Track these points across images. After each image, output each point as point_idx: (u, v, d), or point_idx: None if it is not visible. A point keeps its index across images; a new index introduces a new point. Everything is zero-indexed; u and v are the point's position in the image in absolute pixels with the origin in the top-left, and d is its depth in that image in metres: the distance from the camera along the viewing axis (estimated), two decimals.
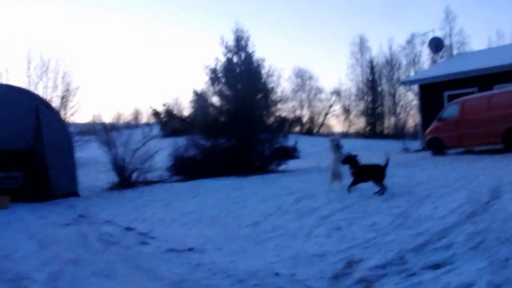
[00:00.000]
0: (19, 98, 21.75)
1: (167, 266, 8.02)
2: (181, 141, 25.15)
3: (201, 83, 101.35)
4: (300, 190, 13.98)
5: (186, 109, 60.21)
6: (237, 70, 25.12)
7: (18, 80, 45.85)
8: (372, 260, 7.13)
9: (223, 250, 8.58)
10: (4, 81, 44.45)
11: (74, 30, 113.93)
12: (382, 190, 11.75)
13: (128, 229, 11.55)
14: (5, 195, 19.16)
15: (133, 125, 26.90)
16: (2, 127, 20.63)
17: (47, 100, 30.75)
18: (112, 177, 22.71)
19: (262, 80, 25.47)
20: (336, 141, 13.23)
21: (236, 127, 22.60)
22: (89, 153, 42.34)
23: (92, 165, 36.40)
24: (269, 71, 25.20)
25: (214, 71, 25.58)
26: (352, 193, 12.28)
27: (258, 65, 24.95)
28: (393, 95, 67.88)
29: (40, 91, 42.28)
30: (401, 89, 64.04)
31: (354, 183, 12.29)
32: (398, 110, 67.29)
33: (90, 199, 19.49)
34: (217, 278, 7.19)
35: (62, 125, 22.70)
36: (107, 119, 25.64)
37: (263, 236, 9.31)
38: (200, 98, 40.66)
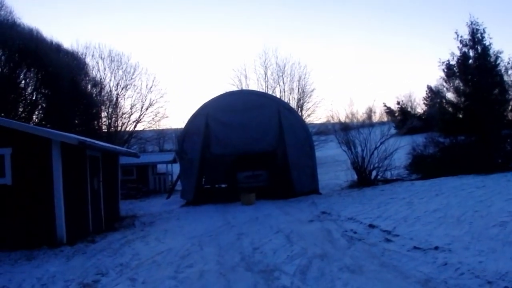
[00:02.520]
0: (263, 103, 23.16)
1: (413, 264, 8.01)
2: (419, 139, 24.74)
3: (434, 78, 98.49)
4: None
5: (419, 106, 58.96)
6: (473, 64, 23.91)
7: (256, 86, 48.74)
8: None
9: (470, 250, 8.29)
10: (245, 88, 47.59)
11: (308, 33, 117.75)
12: None
13: (371, 226, 11.68)
14: (251, 193, 20.55)
15: (367, 124, 26.87)
16: (249, 131, 22.17)
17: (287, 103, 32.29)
18: (351, 176, 23.07)
19: (501, 73, 23.92)
20: None
21: (475, 124, 21.63)
22: (326, 152, 43.53)
23: (330, 164, 37.28)
24: (508, 63, 23.60)
25: (449, 66, 24.61)
26: None
27: (496, 58, 23.45)
28: None
29: (277, 95, 44.47)
30: None
31: None
32: None
33: (331, 196, 20.00)
34: (464, 278, 7.01)
35: (303, 126, 23.61)
36: (342, 118, 25.94)
37: None
38: (435, 94, 39.48)
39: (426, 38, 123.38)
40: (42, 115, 34.86)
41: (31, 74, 33.83)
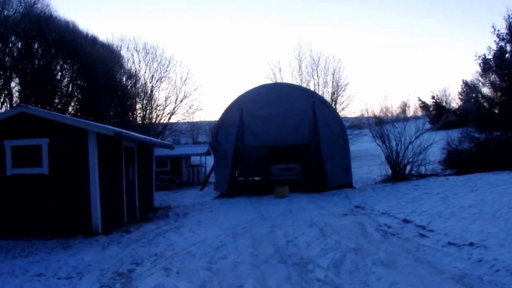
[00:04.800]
0: (297, 96, 23.13)
1: (448, 259, 7.96)
2: (454, 134, 24.44)
3: (470, 73, 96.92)
4: None
5: (454, 101, 58.20)
6: (510, 59, 23.46)
7: (291, 79, 48.69)
8: None
9: (506, 247, 8.17)
10: (279, 81, 47.56)
11: (343, 27, 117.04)
12: None
13: (406, 221, 11.61)
14: (285, 185, 20.59)
15: (401, 118, 26.73)
16: (283, 123, 22.18)
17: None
18: (385, 170, 22.97)
19: None
20: None
21: (511, 119, 21.29)
22: (360, 146, 43.34)
23: (364, 157, 37.14)
24: None
25: (485, 60, 24.24)
26: None
27: None
28: None
29: (311, 89, 44.40)
30: None
31: None
32: None
33: (364, 191, 19.92)
34: (499, 275, 6.95)
35: (337, 119, 23.50)
36: (376, 112, 25.84)
37: None
38: (470, 89, 38.97)
39: (462, 31, 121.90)
40: (78, 107, 35.41)
41: (67, 66, 34.40)
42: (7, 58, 31.12)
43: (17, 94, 32.08)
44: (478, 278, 6.94)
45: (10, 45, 31.46)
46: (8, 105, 30.76)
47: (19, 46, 31.83)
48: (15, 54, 31.51)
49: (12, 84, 32.17)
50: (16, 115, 13.71)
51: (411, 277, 7.29)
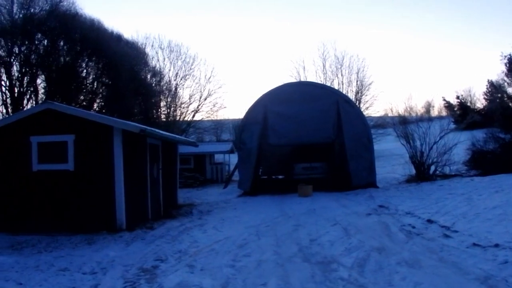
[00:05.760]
0: (321, 95, 23.13)
1: (472, 260, 7.88)
2: (479, 134, 24.24)
3: (495, 72, 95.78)
4: None
5: (479, 101, 57.59)
6: None
7: (315, 77, 48.54)
8: None
9: None
10: (303, 79, 47.46)
11: (367, 26, 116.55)
12: None
13: (430, 221, 11.54)
14: (308, 184, 20.59)
15: (425, 118, 26.58)
16: (307, 122, 22.18)
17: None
18: (408, 170, 22.83)
19: None
20: None
21: None
22: (383, 146, 43.11)
23: (387, 157, 36.95)
24: None
25: (511, 60, 24.04)
26: None
27: None
28: None
29: (335, 87, 44.24)
30: None
31: None
32: None
33: (388, 190, 19.85)
34: None
35: (361, 119, 23.43)
36: (400, 111, 25.75)
37: None
38: (495, 89, 38.56)
39: (487, 31, 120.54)
40: (103, 104, 35.61)
41: (92, 64, 34.60)
42: (33, 56, 31.39)
43: (42, 91, 32.38)
44: (503, 279, 6.87)
45: (36, 42, 31.75)
46: (34, 102, 31.08)
47: (45, 43, 32.09)
48: (41, 52, 31.75)
49: (38, 81, 32.49)
50: (42, 111, 13.90)
51: (435, 277, 7.24)
